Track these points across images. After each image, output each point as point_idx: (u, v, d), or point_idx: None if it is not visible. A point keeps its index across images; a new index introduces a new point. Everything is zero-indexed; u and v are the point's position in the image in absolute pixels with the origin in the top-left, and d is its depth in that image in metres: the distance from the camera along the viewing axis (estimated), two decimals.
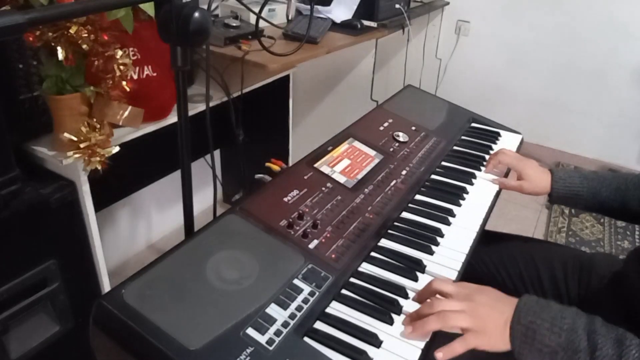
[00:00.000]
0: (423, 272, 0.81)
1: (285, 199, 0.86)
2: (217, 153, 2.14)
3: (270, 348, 0.61)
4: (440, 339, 0.70)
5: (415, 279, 0.79)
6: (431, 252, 0.86)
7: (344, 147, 1.06)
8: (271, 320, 0.64)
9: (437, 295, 0.72)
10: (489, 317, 0.68)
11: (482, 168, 1.15)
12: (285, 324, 0.65)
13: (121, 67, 1.02)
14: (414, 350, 0.67)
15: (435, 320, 0.67)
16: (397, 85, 2.26)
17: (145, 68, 1.18)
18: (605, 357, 0.63)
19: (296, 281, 0.71)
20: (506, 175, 1.14)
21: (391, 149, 1.11)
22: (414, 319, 0.70)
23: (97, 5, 0.65)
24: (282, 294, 0.68)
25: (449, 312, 0.68)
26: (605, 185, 0.98)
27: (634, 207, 0.96)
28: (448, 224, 0.94)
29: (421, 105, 1.37)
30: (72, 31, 0.92)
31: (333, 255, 0.78)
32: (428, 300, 0.73)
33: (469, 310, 0.68)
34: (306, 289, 0.71)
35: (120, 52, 1.02)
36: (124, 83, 1.04)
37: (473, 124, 1.37)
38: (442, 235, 0.91)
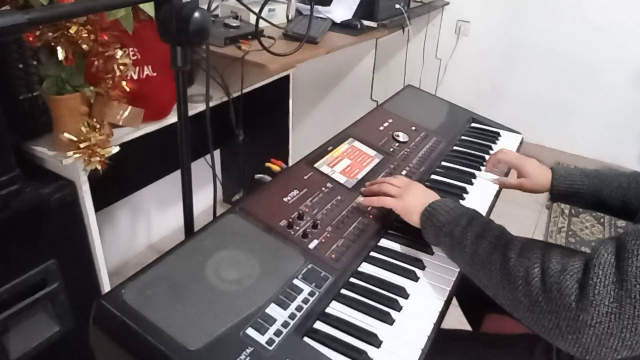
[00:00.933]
0: (423, 272, 0.81)
1: (285, 199, 0.86)
2: (217, 153, 2.14)
3: (270, 348, 0.61)
4: (440, 340, 0.71)
5: (415, 279, 0.79)
6: (431, 252, 0.86)
7: (344, 147, 1.06)
8: (271, 320, 0.64)
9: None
10: (415, 197, 0.87)
11: (482, 168, 1.15)
12: (285, 324, 0.65)
13: (121, 67, 1.02)
14: (414, 351, 0.67)
15: (377, 200, 0.90)
16: (397, 85, 2.26)
17: (145, 68, 1.18)
18: (473, 231, 0.75)
19: (296, 281, 0.71)
20: (506, 175, 1.14)
21: (391, 149, 1.11)
22: (367, 191, 0.94)
23: (97, 5, 0.65)
24: (282, 294, 0.68)
25: (385, 198, 0.89)
26: (607, 183, 0.97)
27: (634, 205, 0.95)
28: None
29: (421, 105, 1.37)
30: (72, 31, 0.92)
31: (333, 255, 0.78)
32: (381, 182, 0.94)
33: (399, 195, 0.88)
34: (306, 289, 0.71)
35: (120, 52, 1.02)
36: (124, 83, 1.04)
37: (473, 124, 1.37)
38: None
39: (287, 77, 1.78)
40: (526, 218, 2.39)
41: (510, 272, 0.66)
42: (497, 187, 1.09)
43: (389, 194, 0.90)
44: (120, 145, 1.13)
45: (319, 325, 0.69)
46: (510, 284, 0.66)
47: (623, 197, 0.96)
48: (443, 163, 1.15)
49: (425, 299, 0.76)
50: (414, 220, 0.85)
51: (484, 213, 0.98)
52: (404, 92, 1.41)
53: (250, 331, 0.62)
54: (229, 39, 1.54)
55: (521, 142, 1.32)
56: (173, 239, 2.01)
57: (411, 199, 0.87)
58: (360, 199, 0.92)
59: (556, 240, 2.25)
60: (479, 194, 1.06)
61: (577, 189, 0.99)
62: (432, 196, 0.88)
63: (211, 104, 1.37)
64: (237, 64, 1.47)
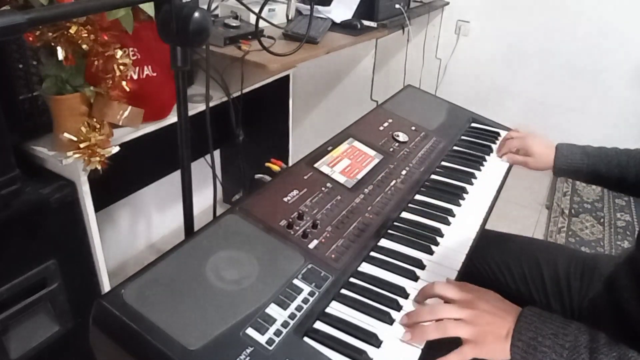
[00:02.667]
0: (423, 271, 0.81)
1: (285, 199, 0.86)
2: (217, 153, 2.14)
3: (270, 348, 0.61)
4: (440, 340, 0.71)
5: (415, 279, 0.79)
6: (431, 252, 0.86)
7: (343, 147, 1.06)
8: (271, 320, 0.64)
9: (437, 299, 0.72)
10: (489, 327, 0.67)
11: (482, 168, 1.15)
12: (285, 324, 0.65)
13: (121, 67, 1.02)
14: (414, 351, 0.67)
15: (435, 330, 0.67)
16: (397, 85, 2.26)
17: (145, 68, 1.18)
18: None
19: (296, 281, 0.71)
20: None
21: (391, 149, 1.11)
22: (412, 321, 0.69)
23: (97, 5, 0.65)
24: (282, 294, 0.68)
25: (448, 321, 0.68)
26: (606, 163, 1.06)
27: (631, 181, 1.03)
28: (448, 224, 0.94)
29: (421, 105, 1.37)
30: (72, 31, 0.92)
31: (333, 255, 0.78)
32: (427, 301, 0.72)
33: (470, 319, 0.67)
34: (306, 289, 0.71)
35: (120, 52, 1.02)
36: (124, 83, 1.04)
37: (473, 124, 1.37)
38: (442, 235, 0.91)
39: (287, 77, 1.78)
40: (526, 218, 2.39)
41: None
42: (497, 187, 1.09)
43: (449, 317, 0.68)
44: (120, 145, 1.13)
45: (319, 325, 0.69)
46: None
47: (620, 174, 1.04)
48: (443, 163, 1.15)
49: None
50: (498, 356, 0.66)
51: (484, 213, 0.99)
52: (404, 92, 1.41)
53: (250, 331, 0.62)
54: (229, 39, 1.54)
55: None
56: (173, 239, 2.01)
57: (487, 320, 0.68)
58: (406, 336, 0.67)
59: (556, 240, 2.25)
60: (479, 194, 1.06)
61: (577, 167, 1.08)
62: (511, 310, 0.69)
63: (211, 104, 1.37)
64: (237, 64, 1.47)
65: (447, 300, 0.71)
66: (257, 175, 0.97)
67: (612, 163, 1.05)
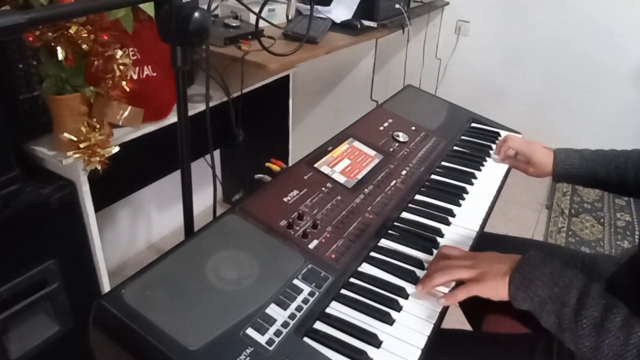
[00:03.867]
0: (423, 272, 0.81)
1: (285, 199, 0.86)
2: (217, 153, 2.14)
3: (270, 348, 0.61)
4: (440, 340, 0.71)
5: (415, 279, 0.79)
6: (431, 252, 0.86)
7: (344, 147, 1.06)
8: (271, 321, 0.64)
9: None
10: (489, 268, 0.74)
11: (482, 168, 1.15)
12: (285, 324, 0.65)
13: (121, 67, 1.02)
14: (414, 351, 0.67)
15: (441, 275, 0.75)
16: (397, 85, 2.26)
17: (145, 68, 1.18)
18: (589, 318, 0.65)
19: (296, 281, 0.71)
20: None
21: (391, 149, 1.11)
22: (424, 278, 0.76)
23: (97, 5, 0.65)
24: (282, 294, 0.68)
25: (453, 266, 0.76)
26: (604, 165, 1.05)
27: (630, 183, 1.02)
28: (448, 224, 0.94)
29: (421, 105, 1.37)
30: (72, 31, 0.92)
31: (333, 256, 0.78)
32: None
33: (471, 265, 0.75)
34: (306, 289, 0.71)
35: (120, 52, 1.02)
36: (123, 83, 1.04)
37: (473, 124, 1.37)
38: (442, 236, 0.91)
39: (287, 77, 1.78)
40: (526, 218, 2.39)
41: None
42: (497, 187, 1.09)
43: (455, 266, 0.76)
44: (120, 145, 1.13)
45: (319, 325, 0.69)
46: None
47: (619, 177, 1.03)
48: (443, 163, 1.15)
49: (425, 299, 0.76)
50: (500, 291, 0.72)
51: (484, 213, 0.99)
52: (404, 92, 1.41)
53: (250, 331, 0.62)
54: (228, 39, 1.54)
55: None
56: (173, 239, 2.01)
57: (488, 265, 0.75)
58: (418, 288, 0.76)
59: (556, 240, 2.25)
60: (479, 194, 1.06)
61: (575, 172, 1.08)
62: (511, 256, 0.76)
63: (211, 104, 1.37)
64: (237, 64, 1.47)
65: (451, 258, 0.79)
66: (257, 175, 0.97)
67: (610, 165, 1.05)
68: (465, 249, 0.87)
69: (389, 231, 0.90)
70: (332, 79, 2.35)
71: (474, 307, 1.11)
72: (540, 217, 2.42)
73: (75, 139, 1.01)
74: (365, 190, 0.95)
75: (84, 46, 0.95)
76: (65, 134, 1.01)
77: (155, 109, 1.22)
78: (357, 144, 1.09)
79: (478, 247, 0.91)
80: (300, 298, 0.69)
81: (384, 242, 0.87)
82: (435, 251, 0.86)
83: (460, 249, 0.82)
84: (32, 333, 1.07)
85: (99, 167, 1.06)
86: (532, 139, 1.17)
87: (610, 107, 2.68)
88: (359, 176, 0.99)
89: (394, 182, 1.01)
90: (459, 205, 1.00)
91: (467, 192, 1.05)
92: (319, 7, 1.94)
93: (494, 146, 1.26)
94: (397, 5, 2.15)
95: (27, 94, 1.02)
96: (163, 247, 2.02)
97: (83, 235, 1.14)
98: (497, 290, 0.73)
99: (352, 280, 0.78)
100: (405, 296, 0.76)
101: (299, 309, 0.67)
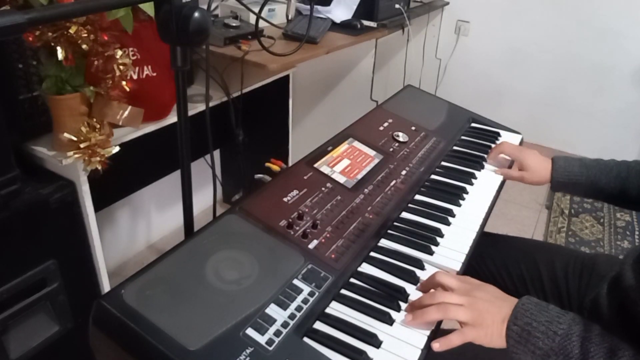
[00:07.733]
0: (423, 272, 0.81)
1: (285, 199, 0.86)
2: (217, 153, 2.14)
3: (270, 348, 0.61)
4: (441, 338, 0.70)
5: (415, 280, 0.79)
6: (431, 252, 0.86)
7: (343, 147, 1.06)
8: (271, 321, 0.64)
9: (440, 288, 0.74)
10: (487, 312, 0.69)
11: (482, 168, 1.15)
12: (285, 324, 0.65)
13: (121, 67, 1.02)
14: (414, 351, 0.67)
15: (436, 311, 0.69)
16: (397, 85, 2.26)
17: (145, 68, 1.18)
18: None
19: (296, 281, 0.71)
20: (510, 167, 1.16)
21: (391, 149, 1.11)
22: (416, 307, 0.72)
23: (97, 5, 0.65)
24: (282, 294, 0.68)
25: (449, 304, 0.70)
26: (605, 173, 1.01)
27: (633, 194, 0.98)
28: (448, 224, 0.94)
29: (421, 105, 1.37)
30: (72, 31, 0.92)
31: (333, 256, 0.78)
32: (431, 290, 0.74)
33: (468, 305, 0.70)
34: (306, 289, 0.71)
35: (120, 52, 1.02)
36: (123, 83, 1.04)
37: (473, 124, 1.37)
38: (441, 236, 0.91)
39: (287, 77, 1.78)
40: (526, 218, 2.39)
41: None
42: (496, 187, 1.09)
43: (450, 302, 0.70)
44: (120, 145, 1.13)
45: (318, 325, 0.69)
46: None
47: (621, 186, 0.99)
48: (443, 163, 1.15)
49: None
50: (496, 341, 0.69)
51: (483, 213, 0.99)
52: (404, 92, 1.41)
53: (250, 331, 0.62)
54: (228, 39, 1.54)
55: (521, 142, 1.32)
56: (173, 239, 2.01)
57: (485, 307, 0.70)
58: (408, 317, 0.71)
59: (556, 240, 2.25)
60: (479, 194, 1.06)
61: (575, 180, 1.03)
62: (508, 299, 0.71)
63: (211, 104, 1.37)
64: (237, 64, 1.47)
65: (447, 289, 0.73)
66: (257, 175, 0.97)
67: (611, 174, 1.01)
68: (465, 250, 0.88)
69: (389, 231, 0.90)
70: (332, 79, 2.35)
71: None
72: (540, 217, 2.42)
73: (75, 139, 1.01)
74: (365, 190, 0.96)
75: (84, 46, 0.95)
76: (65, 134, 1.01)
77: (155, 109, 1.22)
78: (357, 144, 1.09)
79: (478, 247, 0.91)
80: (300, 298, 0.69)
81: (383, 242, 0.87)
82: (435, 250, 0.86)
83: (456, 278, 0.74)
84: (32, 333, 1.07)
85: (99, 167, 1.06)
86: (531, 141, 1.16)
87: (610, 107, 2.68)
88: (359, 176, 0.99)
89: (393, 182, 1.01)
90: (459, 205, 1.00)
91: (467, 192, 1.05)
92: (319, 7, 1.94)
93: (493, 146, 1.26)
94: (397, 5, 2.15)
95: (27, 94, 1.02)
96: (163, 247, 2.02)
97: (83, 235, 1.14)
98: (494, 339, 0.69)
99: (352, 280, 0.78)
100: (405, 296, 0.76)
101: (298, 309, 0.67)
